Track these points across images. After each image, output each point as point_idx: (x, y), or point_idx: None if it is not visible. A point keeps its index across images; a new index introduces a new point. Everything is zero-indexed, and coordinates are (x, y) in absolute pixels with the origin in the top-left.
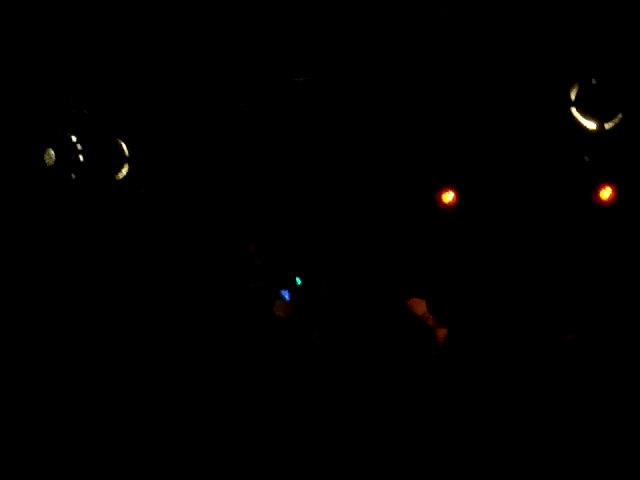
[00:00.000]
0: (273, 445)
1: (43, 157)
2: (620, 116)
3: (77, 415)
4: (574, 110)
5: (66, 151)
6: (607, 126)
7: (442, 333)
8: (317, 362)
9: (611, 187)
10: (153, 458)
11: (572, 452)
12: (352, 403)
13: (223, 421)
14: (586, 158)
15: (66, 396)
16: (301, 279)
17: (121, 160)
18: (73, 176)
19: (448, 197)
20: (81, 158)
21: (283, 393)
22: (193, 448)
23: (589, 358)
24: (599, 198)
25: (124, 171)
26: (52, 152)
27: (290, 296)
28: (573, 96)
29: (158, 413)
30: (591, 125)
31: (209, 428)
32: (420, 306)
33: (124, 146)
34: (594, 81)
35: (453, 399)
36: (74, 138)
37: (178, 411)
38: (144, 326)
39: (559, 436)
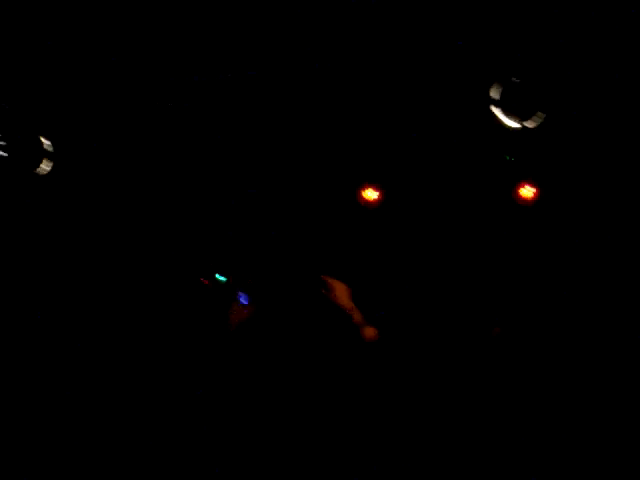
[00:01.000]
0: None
1: None
2: (541, 114)
3: (71, 416)
4: (495, 108)
5: None
6: (528, 124)
7: (369, 332)
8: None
9: (532, 186)
10: (151, 458)
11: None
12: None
13: (212, 422)
14: (507, 157)
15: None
16: (223, 276)
17: (43, 156)
18: None
19: (370, 195)
20: (2, 153)
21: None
22: (191, 447)
23: (513, 352)
24: (520, 197)
25: (46, 167)
26: None
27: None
28: (494, 94)
29: (151, 413)
30: (513, 123)
31: (202, 428)
32: (344, 295)
33: (46, 142)
34: (515, 79)
35: (377, 394)
36: None
37: (171, 411)
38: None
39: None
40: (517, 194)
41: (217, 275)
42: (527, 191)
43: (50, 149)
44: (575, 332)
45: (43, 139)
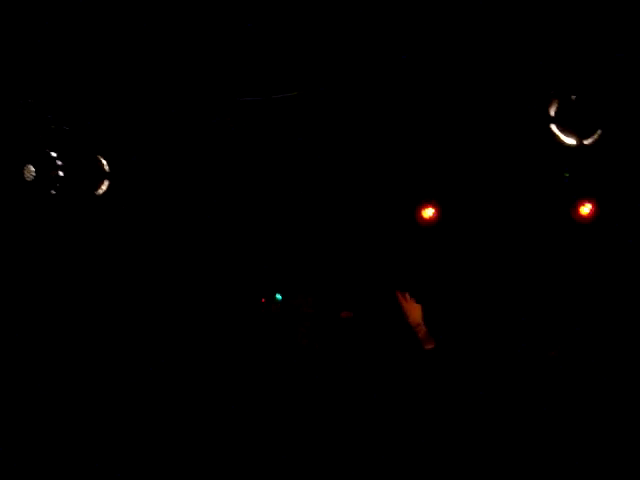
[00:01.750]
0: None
1: (23, 173)
2: (599, 132)
3: (67, 416)
4: (554, 126)
5: (46, 167)
6: (586, 142)
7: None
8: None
9: (590, 203)
10: (149, 458)
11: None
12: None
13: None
14: (566, 174)
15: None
16: (282, 295)
17: (101, 176)
18: (53, 192)
19: (428, 213)
20: (61, 174)
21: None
22: (188, 446)
23: (573, 374)
24: (579, 214)
25: (104, 187)
26: (32, 168)
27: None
28: (552, 112)
29: (148, 413)
30: (571, 141)
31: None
32: (416, 313)
33: (104, 162)
34: (573, 97)
35: (438, 411)
36: (54, 154)
37: (167, 410)
38: (133, 339)
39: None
40: (576, 212)
41: (277, 295)
42: (585, 208)
43: (107, 169)
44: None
45: (102, 159)
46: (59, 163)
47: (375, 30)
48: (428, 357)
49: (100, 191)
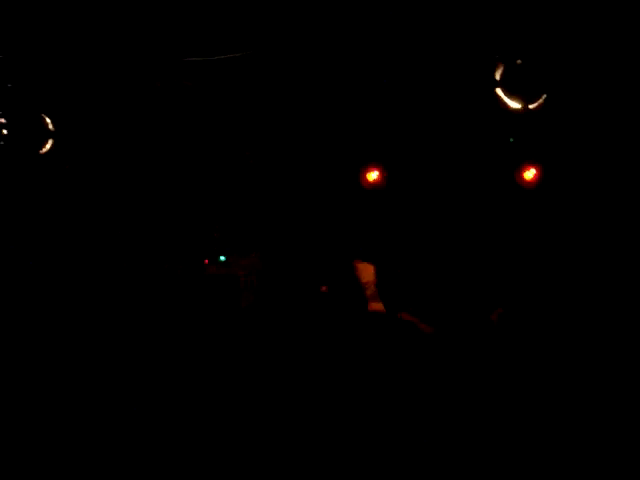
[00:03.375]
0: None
1: None
2: (544, 96)
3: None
4: (499, 90)
5: None
6: (531, 106)
7: (376, 306)
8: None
9: (535, 168)
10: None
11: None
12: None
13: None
14: (511, 139)
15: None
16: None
17: (45, 134)
18: None
19: (373, 176)
20: (4, 132)
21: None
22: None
23: (514, 335)
24: (523, 178)
25: (48, 145)
26: None
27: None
28: (498, 76)
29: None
30: (516, 105)
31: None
32: (367, 272)
33: (48, 120)
34: (519, 61)
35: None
36: None
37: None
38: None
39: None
40: (520, 176)
41: (221, 257)
42: (529, 173)
43: (52, 128)
44: (572, 318)
45: (46, 117)
46: (2, 121)
47: None
48: (374, 319)
49: (44, 150)
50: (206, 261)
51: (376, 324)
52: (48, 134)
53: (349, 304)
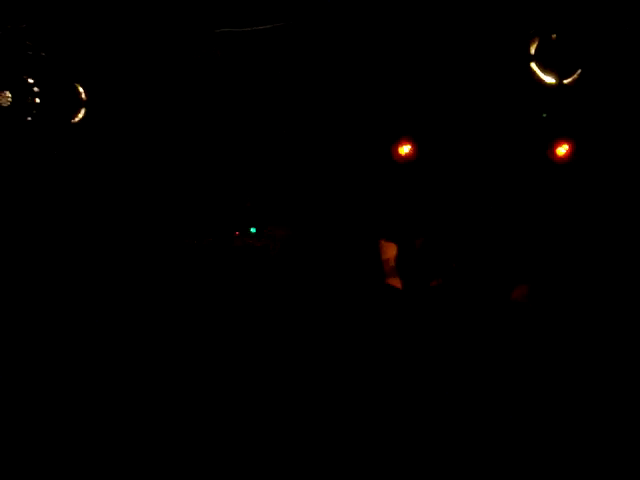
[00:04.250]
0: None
1: None
2: (579, 71)
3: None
4: (533, 64)
5: (22, 93)
6: (566, 81)
7: (394, 281)
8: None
9: (568, 143)
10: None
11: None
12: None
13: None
14: (544, 114)
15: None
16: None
17: (78, 104)
18: (29, 119)
19: (405, 149)
20: (37, 100)
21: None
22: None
23: (543, 317)
24: (556, 154)
25: (80, 115)
26: (8, 94)
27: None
28: (533, 50)
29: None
30: (550, 80)
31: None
32: (390, 250)
33: (81, 90)
34: (554, 36)
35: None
36: (31, 80)
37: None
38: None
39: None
40: (552, 152)
41: (251, 228)
42: (562, 148)
43: (84, 97)
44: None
45: (79, 87)
46: (36, 90)
47: None
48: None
49: (77, 119)
50: (237, 233)
51: (390, 299)
52: (81, 103)
53: (368, 279)
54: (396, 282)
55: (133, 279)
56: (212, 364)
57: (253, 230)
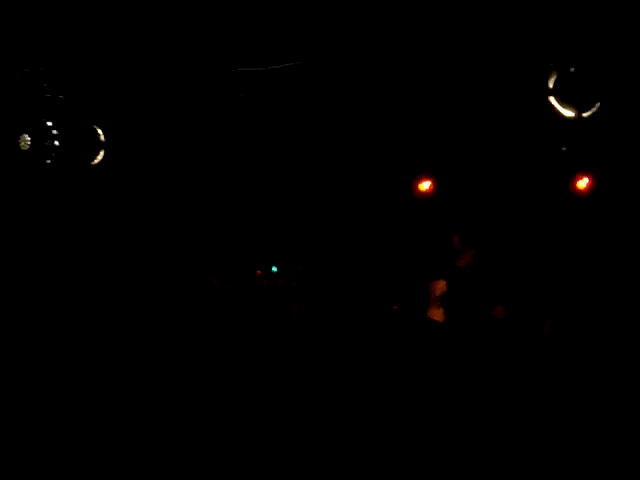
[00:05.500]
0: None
1: (18, 142)
2: (598, 105)
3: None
4: (552, 98)
5: (41, 136)
6: (585, 115)
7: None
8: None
9: (588, 176)
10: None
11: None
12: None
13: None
14: (563, 147)
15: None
16: (277, 267)
17: (97, 146)
18: (48, 161)
19: (425, 186)
20: (57, 143)
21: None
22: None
23: (570, 347)
24: (576, 187)
25: (100, 157)
26: (27, 137)
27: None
28: (551, 84)
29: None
30: (569, 113)
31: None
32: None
33: (100, 132)
34: (572, 69)
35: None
36: (49, 123)
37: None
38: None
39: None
40: (573, 185)
41: (273, 267)
42: (583, 182)
43: (103, 139)
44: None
45: (98, 129)
46: (55, 132)
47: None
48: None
49: (96, 161)
50: (259, 272)
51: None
52: (100, 145)
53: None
54: (438, 314)
55: (154, 321)
56: (238, 400)
57: (274, 269)
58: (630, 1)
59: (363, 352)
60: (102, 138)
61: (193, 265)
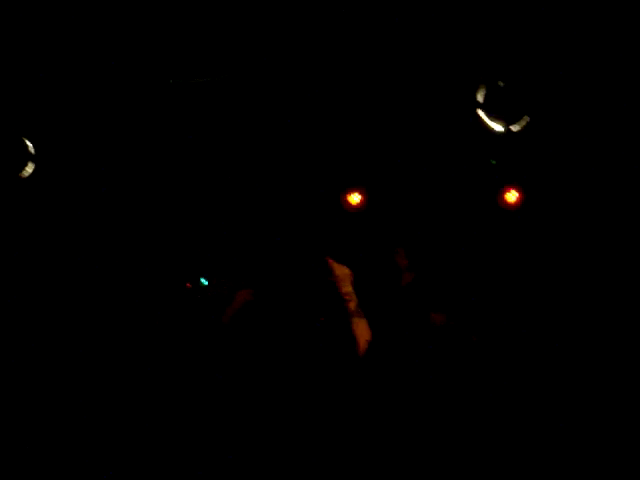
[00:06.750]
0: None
1: None
2: (527, 118)
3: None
4: (481, 112)
5: None
6: (514, 128)
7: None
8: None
9: (516, 190)
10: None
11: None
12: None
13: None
14: (492, 161)
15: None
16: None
17: (26, 158)
18: None
19: (355, 199)
20: None
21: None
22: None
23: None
24: (504, 201)
25: (29, 169)
26: None
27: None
28: (480, 98)
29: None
30: (498, 127)
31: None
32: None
33: (29, 144)
34: (501, 83)
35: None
36: None
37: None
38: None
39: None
40: (502, 198)
41: (202, 279)
42: (511, 195)
43: (33, 151)
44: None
45: (27, 141)
46: None
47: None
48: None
49: (25, 173)
50: (188, 284)
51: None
52: (29, 157)
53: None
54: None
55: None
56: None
57: (204, 282)
58: (558, 14)
59: (292, 361)
60: (32, 150)
61: (121, 278)
